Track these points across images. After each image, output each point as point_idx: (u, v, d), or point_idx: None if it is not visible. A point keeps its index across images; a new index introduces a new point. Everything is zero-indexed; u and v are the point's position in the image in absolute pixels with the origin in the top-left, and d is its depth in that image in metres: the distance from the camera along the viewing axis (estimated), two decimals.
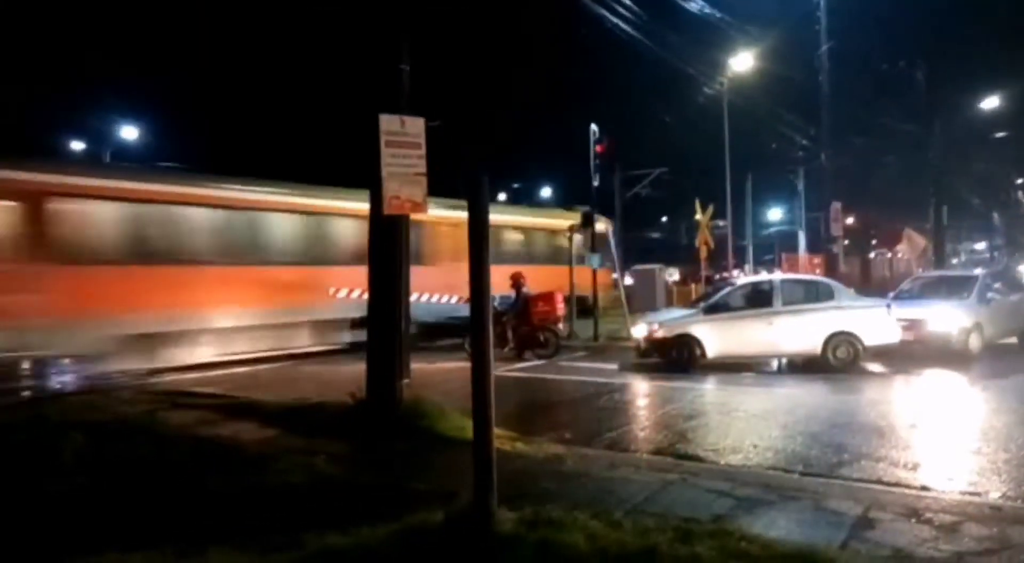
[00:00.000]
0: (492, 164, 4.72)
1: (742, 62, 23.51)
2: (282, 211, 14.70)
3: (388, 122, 7.27)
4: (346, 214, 15.05)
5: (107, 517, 4.89)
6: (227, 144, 29.45)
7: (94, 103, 35.16)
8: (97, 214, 12.13)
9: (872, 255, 43.53)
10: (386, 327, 7.55)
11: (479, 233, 4.17)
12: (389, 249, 7.62)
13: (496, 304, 15.25)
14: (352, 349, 13.33)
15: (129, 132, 31.75)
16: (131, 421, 7.94)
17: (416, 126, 7.47)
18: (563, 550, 3.72)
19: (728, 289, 13.39)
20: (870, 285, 22.76)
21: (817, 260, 28.69)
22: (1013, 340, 14.38)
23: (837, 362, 11.95)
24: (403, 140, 7.31)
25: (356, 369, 8.04)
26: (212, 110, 32.56)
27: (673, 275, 34.39)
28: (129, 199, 12.37)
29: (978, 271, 15.85)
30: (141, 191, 12.56)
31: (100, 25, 32.55)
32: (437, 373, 11.74)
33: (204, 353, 13.19)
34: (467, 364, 4.30)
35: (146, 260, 12.48)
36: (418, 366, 10.43)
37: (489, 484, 4.02)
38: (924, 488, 5.71)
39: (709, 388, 10.82)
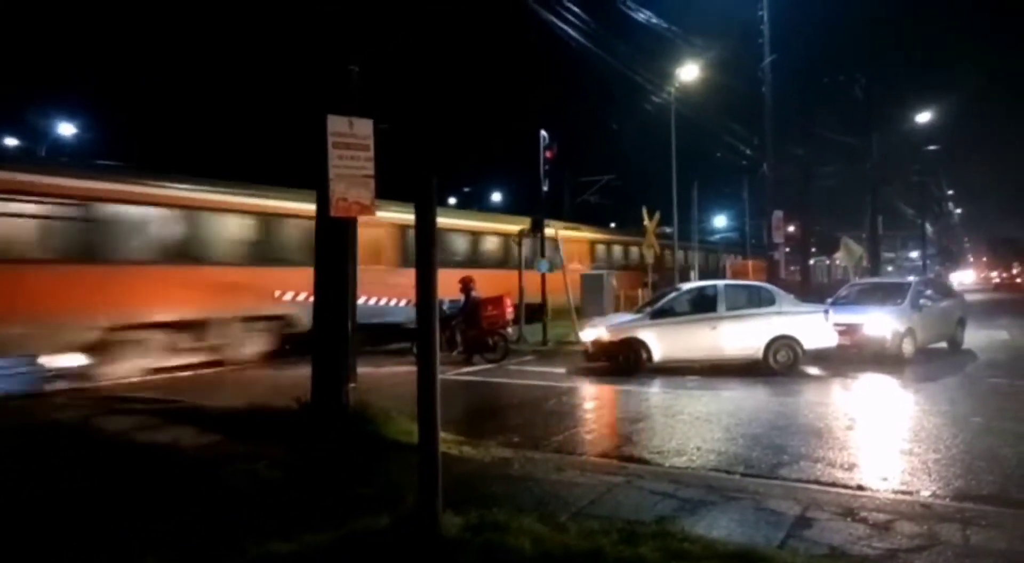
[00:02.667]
0: (442, 167, 4.71)
1: (689, 72, 23.98)
2: (223, 211, 14.32)
3: (336, 123, 7.19)
4: (290, 215, 14.81)
5: (26, 530, 4.70)
6: (169, 142, 28.71)
7: (30, 99, 33.90)
8: (23, 211, 11.56)
9: (812, 262, 44.76)
10: (332, 330, 7.45)
11: (427, 236, 4.15)
12: (336, 251, 7.53)
13: (445, 308, 15.20)
14: (299, 352, 13.09)
15: (66, 128, 30.69)
16: (64, 427, 7.66)
17: (364, 128, 7.40)
18: (508, 554, 3.73)
19: (674, 294, 13.61)
20: (810, 291, 23.42)
21: (759, 266, 29.39)
22: (943, 345, 14.96)
23: (778, 366, 12.25)
24: (351, 141, 7.23)
25: (302, 373, 7.91)
26: (154, 107, 31.71)
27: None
28: (56, 196, 11.85)
29: (911, 279, 16.48)
30: (68, 188, 12.04)
31: (38, 20, 31.40)
32: (384, 377, 11.63)
33: (144, 356, 12.77)
34: (415, 368, 4.28)
35: (80, 258, 12.00)
36: (365, 370, 10.32)
37: (434, 488, 4.00)
38: (860, 488, 5.90)
39: (655, 391, 10.97)
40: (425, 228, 4.17)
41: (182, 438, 7.29)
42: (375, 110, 7.45)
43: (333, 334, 7.44)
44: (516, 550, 3.78)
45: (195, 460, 6.28)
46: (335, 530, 4.32)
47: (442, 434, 7.18)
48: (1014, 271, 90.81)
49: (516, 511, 4.61)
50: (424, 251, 4.17)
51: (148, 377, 12.40)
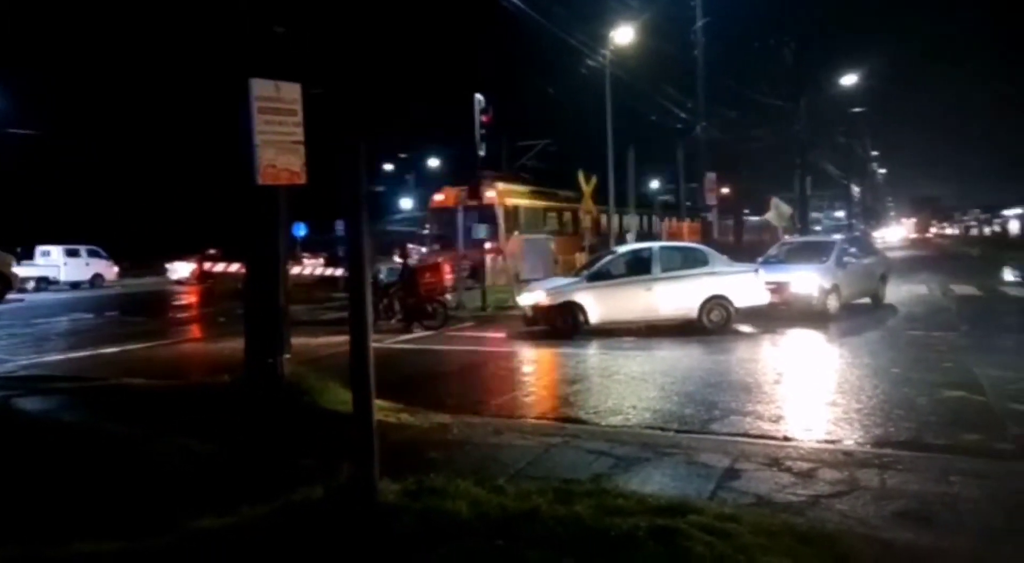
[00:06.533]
0: (370, 133, 4.60)
1: (623, 35, 23.94)
2: None
3: (261, 87, 6.94)
4: None
5: None
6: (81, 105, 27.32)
7: None
8: None
9: (745, 222, 45.86)
10: (264, 301, 7.28)
11: (355, 203, 4.07)
12: (265, 221, 7.33)
13: (383, 276, 15.05)
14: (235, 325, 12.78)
15: None
16: None
17: (292, 92, 7.16)
18: (445, 517, 3.75)
19: (609, 257, 13.77)
20: (743, 251, 24.06)
21: (694, 227, 29.95)
22: (867, 300, 15.58)
23: (711, 324, 12.58)
24: (278, 106, 7.00)
25: (235, 346, 7.75)
26: (62, 66, 30.08)
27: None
28: None
29: (836, 237, 17.04)
30: None
31: None
32: (320, 347, 11.48)
33: None
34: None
35: None
36: (301, 341, 10.17)
37: (370, 456, 3.98)
38: (786, 438, 6.14)
39: (592, 353, 11.14)
40: (354, 195, 4.08)
41: (109, 416, 7.05)
42: (305, 74, 7.21)
43: (265, 305, 7.27)
44: (453, 514, 3.81)
45: (123, 438, 6.09)
46: (270, 502, 4.27)
47: (380, 402, 7.19)
48: (933, 230, 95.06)
49: (454, 476, 4.63)
50: (353, 218, 4.09)
51: (70, 355, 11.94)
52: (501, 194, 23.20)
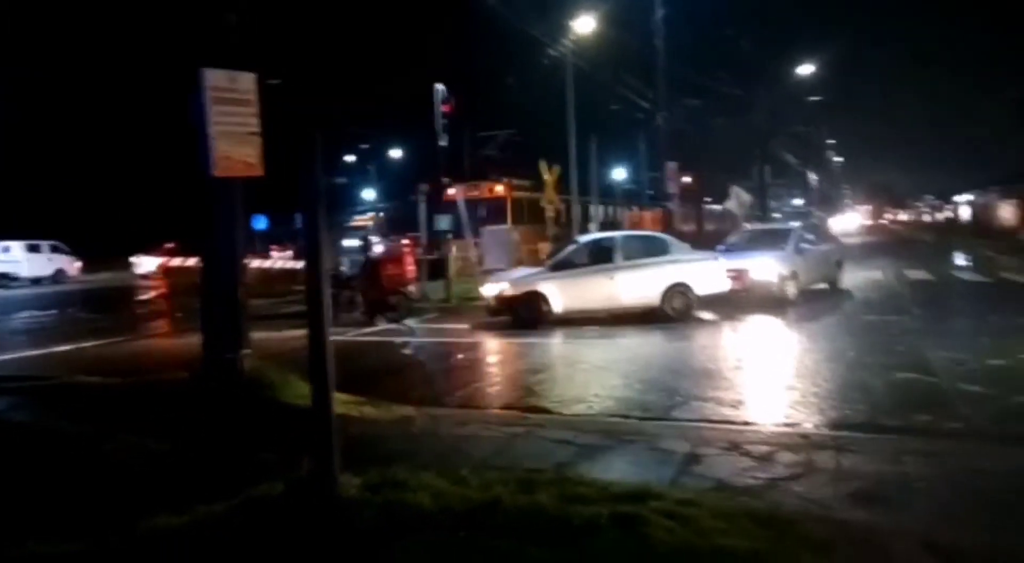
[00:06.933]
0: (326, 123, 4.53)
1: (584, 25, 23.95)
2: None
3: (214, 77, 6.79)
4: None
5: None
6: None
7: None
8: None
9: (706, 210, 46.40)
10: (222, 296, 7.15)
11: (312, 195, 4.01)
12: (222, 213, 7.19)
13: (344, 268, 14.91)
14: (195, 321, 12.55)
15: None
16: None
17: (247, 82, 7.02)
18: (407, 510, 3.73)
19: (572, 247, 13.82)
20: (705, 239, 24.35)
21: (656, 216, 30.20)
22: (824, 286, 15.89)
23: (674, 312, 12.70)
24: (233, 97, 6.87)
25: (195, 342, 7.60)
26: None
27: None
28: None
29: (794, 224, 17.32)
30: None
31: None
32: (282, 341, 11.33)
33: None
34: None
35: None
36: (261, 335, 10.02)
37: (330, 450, 3.94)
38: (746, 423, 6.24)
39: (556, 343, 11.18)
40: (310, 186, 4.02)
41: (63, 415, 6.88)
42: (262, 64, 7.08)
43: (222, 300, 7.14)
44: (415, 506, 3.79)
45: (77, 437, 5.94)
46: (229, 499, 4.20)
47: (343, 396, 7.13)
48: (887, 216, 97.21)
49: (417, 468, 4.61)
50: (311, 210, 4.03)
51: (20, 354, 11.61)
52: (508, 187, 25.23)
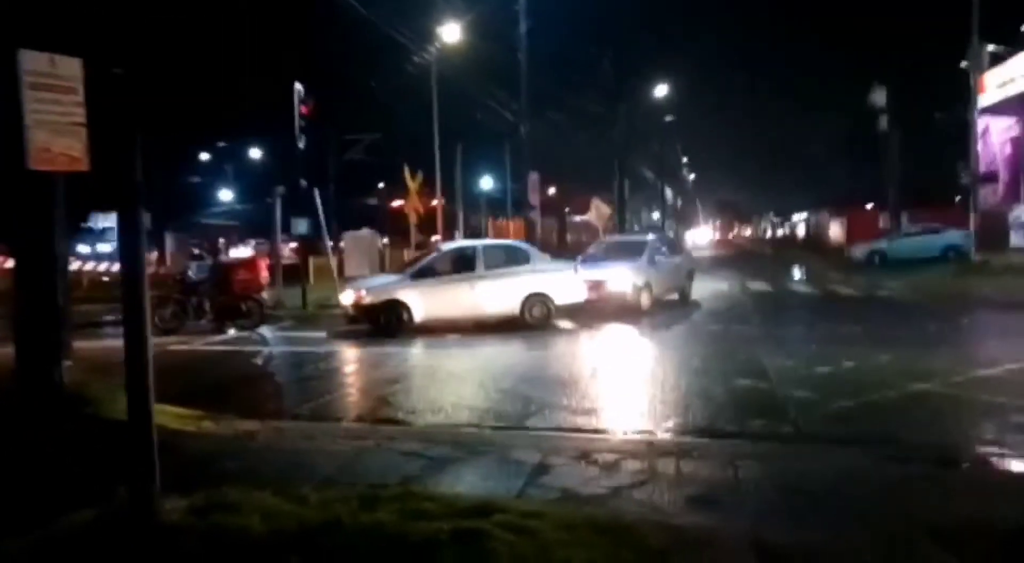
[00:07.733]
0: (147, 123, 4.16)
1: (451, 33, 23.98)
2: None
3: (32, 60, 6.14)
4: None
5: None
6: None
7: None
8: None
9: (568, 221, 47.71)
10: (38, 302, 6.47)
11: (131, 197, 3.67)
12: (37, 212, 6.51)
13: (192, 273, 14.02)
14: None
15: None
16: None
17: (70, 68, 6.38)
18: (234, 535, 3.46)
19: (434, 255, 13.70)
20: (566, 249, 24.96)
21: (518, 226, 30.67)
22: (675, 296, 16.66)
23: (533, 320, 12.86)
24: (54, 83, 6.23)
25: (7, 353, 6.82)
26: None
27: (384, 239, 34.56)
28: None
29: (649, 237, 18.08)
30: None
31: None
32: (109, 352, 10.43)
33: None
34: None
35: None
36: (89, 344, 9.21)
37: (150, 472, 3.60)
38: (596, 431, 6.34)
39: (415, 352, 11.01)
40: (130, 189, 3.68)
41: None
42: (90, 49, 6.45)
43: (39, 307, 6.46)
44: (243, 530, 3.52)
45: None
46: (33, 531, 3.76)
47: (180, 410, 6.64)
48: (734, 231, 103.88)
49: (253, 487, 4.31)
50: (129, 212, 3.69)
51: None
52: None
